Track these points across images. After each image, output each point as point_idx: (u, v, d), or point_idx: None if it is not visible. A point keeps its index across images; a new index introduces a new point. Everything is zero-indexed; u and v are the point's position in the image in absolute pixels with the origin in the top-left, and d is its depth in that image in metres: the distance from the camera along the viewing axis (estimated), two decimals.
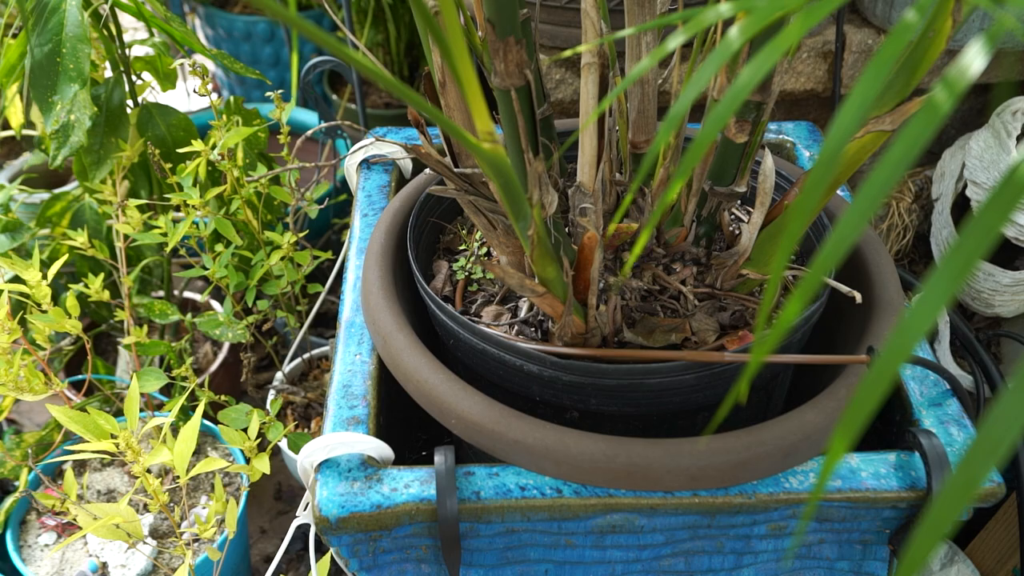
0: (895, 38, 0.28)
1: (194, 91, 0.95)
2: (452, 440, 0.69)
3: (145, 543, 0.82)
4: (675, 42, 0.33)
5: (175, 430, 0.97)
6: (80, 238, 0.95)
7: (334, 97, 1.67)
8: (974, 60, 0.27)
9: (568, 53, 0.41)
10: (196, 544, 0.94)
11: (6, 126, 1.28)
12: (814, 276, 0.26)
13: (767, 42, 0.30)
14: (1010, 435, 0.22)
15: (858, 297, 0.65)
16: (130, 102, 1.04)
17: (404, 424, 0.76)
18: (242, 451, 0.82)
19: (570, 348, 0.64)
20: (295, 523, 0.69)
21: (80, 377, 1.14)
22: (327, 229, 1.36)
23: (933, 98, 0.26)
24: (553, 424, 0.61)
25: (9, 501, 0.94)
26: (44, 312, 0.87)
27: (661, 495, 0.61)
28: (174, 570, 0.87)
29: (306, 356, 1.19)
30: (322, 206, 1.04)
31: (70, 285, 0.96)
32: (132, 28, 1.84)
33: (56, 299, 1.05)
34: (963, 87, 0.26)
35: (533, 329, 0.70)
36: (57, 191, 1.13)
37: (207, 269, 0.97)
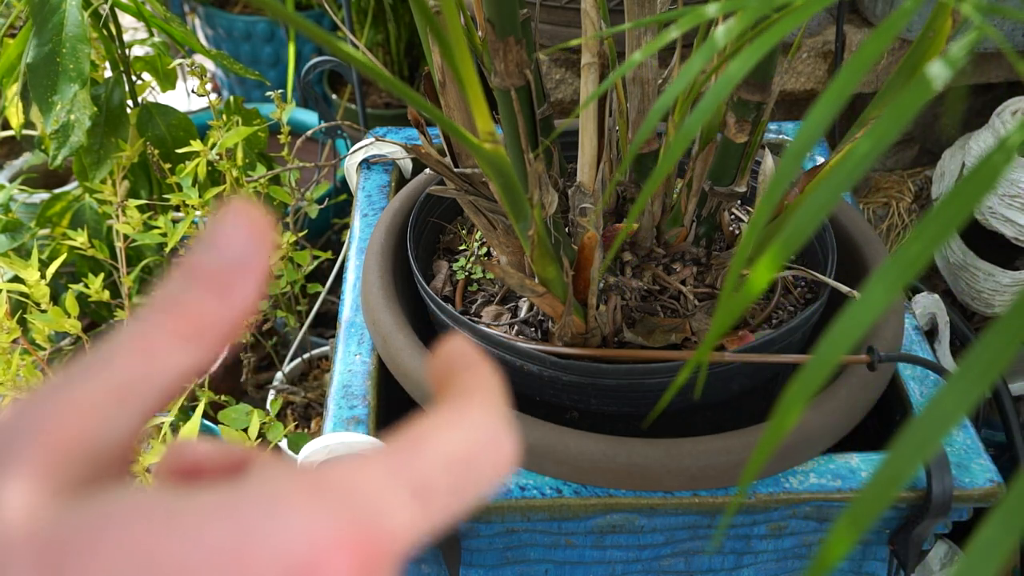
0: (877, 38, 0.28)
1: (193, 91, 0.96)
2: None
3: None
4: (669, 37, 0.33)
5: (175, 430, 0.97)
6: (80, 238, 0.95)
7: (334, 97, 1.67)
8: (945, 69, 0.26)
9: (564, 46, 0.41)
10: None
11: (6, 126, 1.27)
12: (777, 253, 0.26)
13: (762, 35, 0.30)
14: (951, 421, 0.21)
15: (858, 297, 0.65)
16: (130, 102, 1.04)
17: (404, 424, 0.76)
18: None
19: (570, 348, 0.64)
20: None
21: None
22: (327, 229, 1.36)
23: (924, 76, 0.26)
24: (553, 424, 0.61)
25: None
26: (43, 312, 0.87)
27: (661, 495, 0.61)
28: None
29: (306, 356, 1.18)
30: (322, 206, 1.04)
31: (70, 285, 0.95)
32: (132, 28, 1.84)
33: (56, 299, 1.05)
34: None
35: (533, 329, 0.70)
36: (57, 191, 1.13)
37: None
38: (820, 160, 0.91)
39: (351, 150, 0.93)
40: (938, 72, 0.26)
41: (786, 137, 0.95)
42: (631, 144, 0.66)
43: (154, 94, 1.08)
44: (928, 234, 0.23)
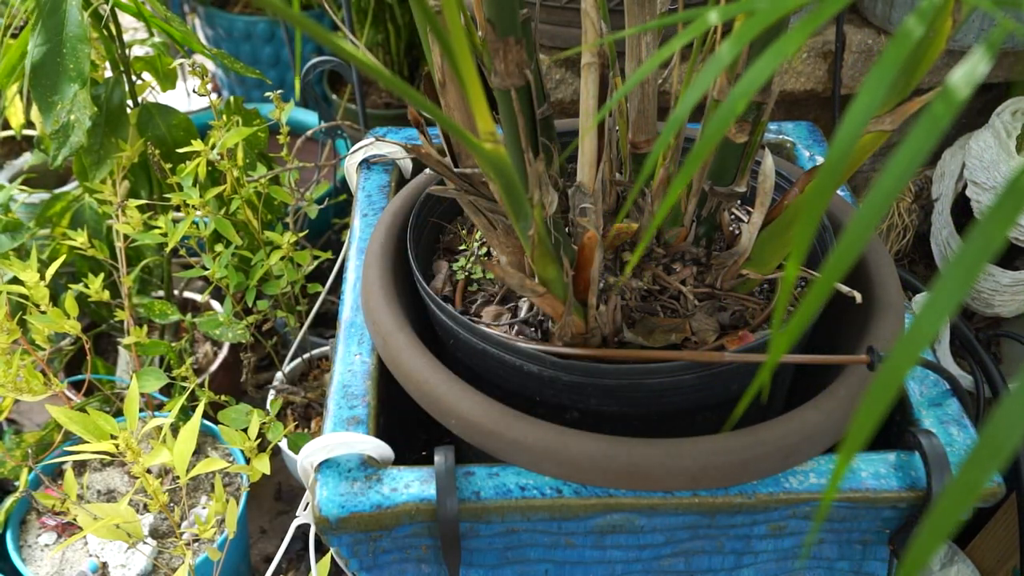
0: (897, 44, 0.28)
1: (194, 91, 0.96)
2: (452, 440, 0.69)
3: (145, 543, 0.82)
4: (676, 44, 0.33)
5: (175, 430, 0.97)
6: (80, 238, 0.95)
7: (334, 97, 1.67)
8: (976, 67, 0.27)
9: (568, 53, 0.41)
10: (196, 544, 0.94)
11: (6, 126, 1.28)
12: (824, 284, 0.26)
13: (768, 43, 0.30)
14: (1013, 437, 0.22)
15: (858, 297, 0.65)
16: (130, 102, 1.04)
17: (404, 424, 0.76)
18: (242, 451, 0.82)
19: (570, 348, 0.64)
20: (295, 523, 0.69)
21: (80, 377, 1.14)
22: (327, 229, 1.36)
23: (933, 108, 0.26)
24: (553, 424, 0.61)
25: (9, 501, 0.94)
26: (43, 313, 0.87)
27: (661, 495, 0.61)
28: (174, 570, 0.87)
29: (306, 356, 1.18)
30: (322, 206, 1.04)
31: (70, 285, 0.95)
32: (132, 28, 1.84)
33: (56, 299, 1.05)
34: (965, 97, 0.26)
35: (533, 329, 0.70)
36: (57, 191, 1.13)
37: (207, 269, 0.97)
38: (820, 160, 0.91)
39: (351, 150, 0.93)
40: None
41: (786, 137, 0.95)
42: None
43: (154, 94, 1.08)
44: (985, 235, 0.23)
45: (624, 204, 0.73)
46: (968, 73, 0.26)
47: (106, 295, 0.94)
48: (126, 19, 1.08)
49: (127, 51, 1.02)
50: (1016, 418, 0.22)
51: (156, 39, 1.07)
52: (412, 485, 0.62)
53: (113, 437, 0.73)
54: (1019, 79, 1.12)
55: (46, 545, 0.95)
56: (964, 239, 0.23)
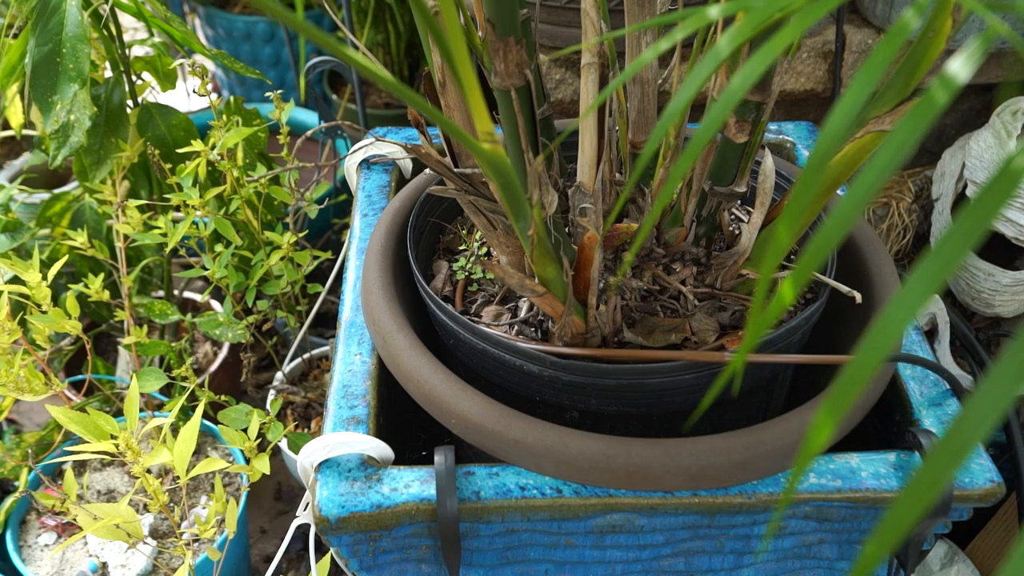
0: (888, 43, 0.28)
1: (194, 91, 0.96)
2: (452, 440, 0.69)
3: (145, 543, 0.82)
4: (675, 38, 0.33)
5: (175, 430, 0.97)
6: (80, 238, 0.95)
7: (334, 97, 1.67)
8: (964, 66, 0.27)
9: (568, 50, 0.41)
10: (196, 544, 0.94)
11: (6, 126, 1.27)
12: (802, 271, 0.26)
13: (766, 41, 0.30)
14: (979, 433, 0.21)
15: (858, 297, 0.65)
16: (130, 102, 1.04)
17: (404, 424, 0.76)
18: (242, 451, 0.82)
19: (570, 348, 0.64)
20: (295, 523, 0.69)
21: (80, 377, 1.14)
22: (327, 229, 1.36)
23: (923, 102, 0.26)
24: (553, 424, 0.61)
25: (9, 501, 0.94)
26: (44, 313, 0.87)
27: (661, 495, 0.61)
28: (174, 570, 0.87)
29: (306, 356, 1.19)
30: (322, 206, 1.04)
31: (70, 285, 0.96)
32: (132, 28, 1.84)
33: (56, 299, 1.05)
34: (952, 93, 0.26)
35: (533, 329, 0.70)
36: (57, 191, 1.13)
37: (207, 269, 0.97)
38: None
39: (351, 150, 0.93)
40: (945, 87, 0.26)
41: (786, 137, 0.95)
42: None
43: (154, 94, 1.08)
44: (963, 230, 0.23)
45: (625, 204, 0.73)
46: (966, 63, 0.26)
47: (106, 295, 0.94)
48: (126, 19, 1.09)
49: (127, 51, 1.02)
50: (983, 414, 0.22)
51: (156, 39, 1.07)
52: (412, 485, 0.62)
53: (113, 437, 0.73)
54: (1018, 79, 1.12)
55: (46, 545, 0.96)
56: (954, 219, 0.23)
